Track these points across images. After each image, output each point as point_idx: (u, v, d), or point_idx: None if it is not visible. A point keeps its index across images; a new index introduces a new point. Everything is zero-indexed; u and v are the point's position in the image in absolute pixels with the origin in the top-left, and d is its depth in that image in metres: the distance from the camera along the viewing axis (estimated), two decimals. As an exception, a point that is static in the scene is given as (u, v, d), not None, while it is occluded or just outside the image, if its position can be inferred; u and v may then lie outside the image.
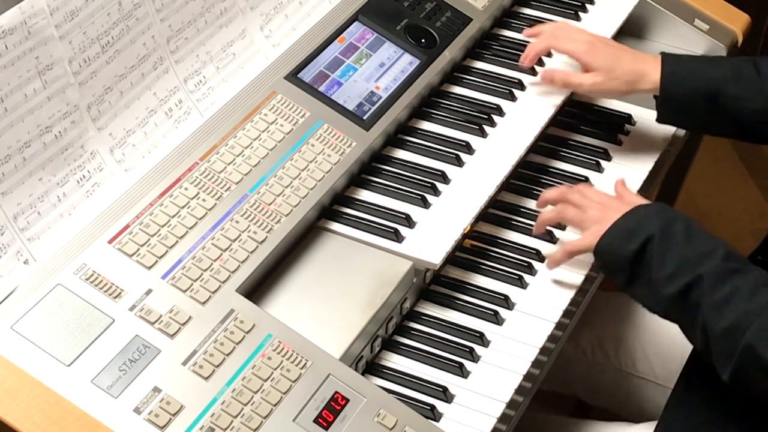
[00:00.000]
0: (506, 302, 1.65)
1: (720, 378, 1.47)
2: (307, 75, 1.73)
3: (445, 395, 1.51)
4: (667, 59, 1.79)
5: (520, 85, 1.91)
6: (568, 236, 1.74)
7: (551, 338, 1.62)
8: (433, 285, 1.68)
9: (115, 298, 1.39)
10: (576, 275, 1.69)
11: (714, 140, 3.45)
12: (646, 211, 1.57)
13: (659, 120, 1.86)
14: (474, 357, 1.57)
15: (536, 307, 1.65)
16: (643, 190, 1.89)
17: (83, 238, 1.44)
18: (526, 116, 1.85)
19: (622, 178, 1.72)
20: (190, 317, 1.40)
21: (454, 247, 1.63)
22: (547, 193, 1.71)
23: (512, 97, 1.88)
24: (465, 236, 1.73)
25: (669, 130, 1.97)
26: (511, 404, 1.52)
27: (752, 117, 1.75)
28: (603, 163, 1.91)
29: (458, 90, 1.91)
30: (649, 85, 1.79)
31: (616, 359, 1.97)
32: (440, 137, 1.80)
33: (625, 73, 1.79)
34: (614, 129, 1.98)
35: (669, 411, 1.65)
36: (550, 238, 1.74)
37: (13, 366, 1.30)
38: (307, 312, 1.50)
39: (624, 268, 1.54)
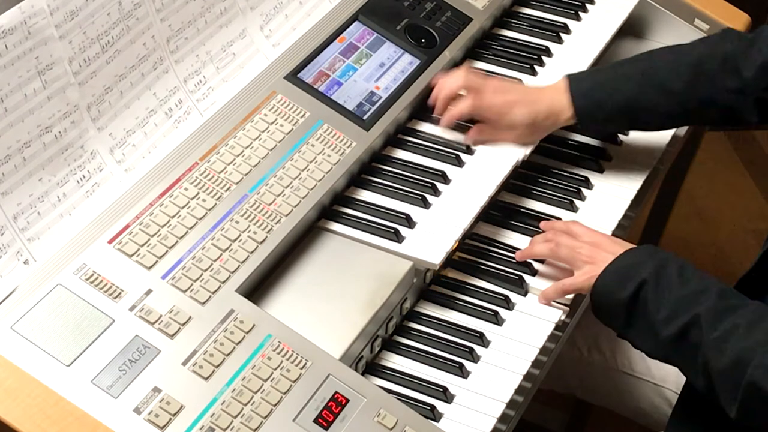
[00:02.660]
0: (506, 302, 1.65)
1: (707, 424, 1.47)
2: (307, 75, 1.73)
3: (445, 395, 1.51)
4: (574, 86, 1.77)
5: (520, 85, 1.91)
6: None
7: (551, 338, 1.62)
8: (433, 285, 1.68)
9: (115, 298, 1.39)
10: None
11: (714, 140, 3.45)
12: (639, 254, 1.57)
13: (582, 132, 1.91)
14: (474, 357, 1.57)
15: (536, 307, 1.65)
16: (643, 190, 1.89)
17: (83, 238, 1.44)
18: (526, 116, 1.85)
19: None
20: (190, 317, 1.40)
21: (454, 247, 1.63)
22: (537, 246, 1.68)
23: (512, 97, 1.88)
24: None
25: (667, 132, 1.97)
26: (511, 404, 1.53)
27: (667, 115, 1.79)
28: (603, 163, 1.90)
29: (458, 90, 1.91)
30: (558, 123, 1.78)
31: (613, 359, 1.97)
32: (440, 137, 1.80)
33: (527, 120, 1.76)
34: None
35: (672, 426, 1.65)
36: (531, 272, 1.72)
37: (13, 366, 1.30)
38: (307, 312, 1.50)
39: (619, 313, 1.54)
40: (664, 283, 1.50)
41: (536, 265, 1.71)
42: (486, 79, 1.80)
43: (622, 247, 1.59)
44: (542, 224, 1.73)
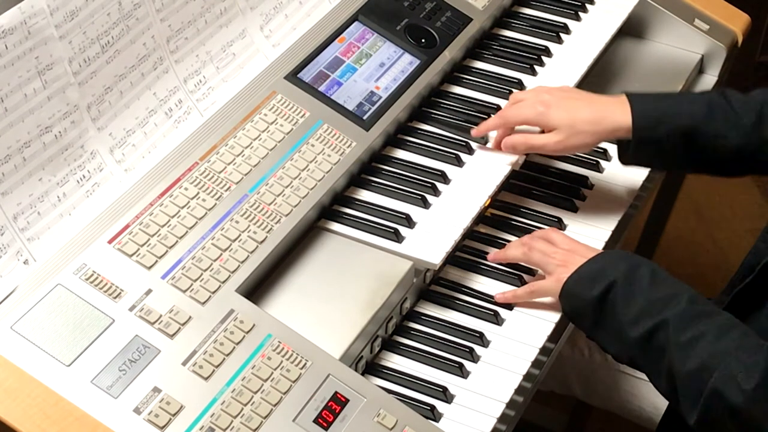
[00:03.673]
0: (506, 302, 1.65)
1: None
2: (307, 75, 1.73)
3: (445, 395, 1.51)
4: (635, 100, 1.70)
5: (520, 86, 1.91)
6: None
7: (551, 338, 1.62)
8: (433, 285, 1.68)
9: (115, 298, 1.39)
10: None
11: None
12: (611, 257, 1.56)
13: (627, 162, 1.78)
14: (474, 357, 1.57)
15: (536, 308, 1.65)
16: (643, 190, 1.89)
17: (83, 238, 1.44)
18: (526, 116, 1.85)
19: None
20: (190, 317, 1.40)
21: (454, 247, 1.63)
22: (510, 249, 1.67)
23: (512, 97, 1.88)
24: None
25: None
26: (511, 404, 1.53)
27: (729, 153, 1.69)
28: (603, 163, 1.90)
29: (458, 90, 1.91)
30: (616, 129, 1.69)
31: (613, 359, 1.97)
32: (440, 137, 1.80)
33: (587, 124, 1.69)
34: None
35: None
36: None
37: (13, 366, 1.30)
38: (307, 312, 1.50)
39: (588, 313, 1.53)
40: (634, 286, 1.50)
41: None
42: (549, 105, 1.72)
43: (595, 252, 1.59)
44: (516, 241, 1.71)
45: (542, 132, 1.74)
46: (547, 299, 1.63)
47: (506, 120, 1.75)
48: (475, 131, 1.77)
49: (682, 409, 1.44)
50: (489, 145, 1.78)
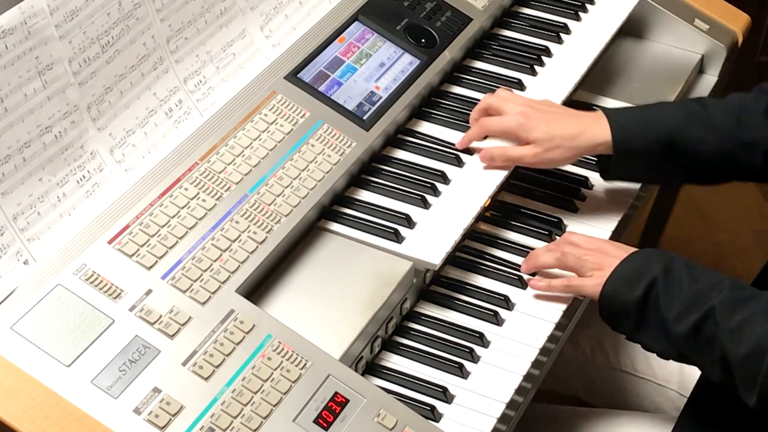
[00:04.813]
0: (506, 302, 1.65)
1: (723, 415, 1.46)
2: (307, 75, 1.73)
3: (445, 396, 1.51)
4: (612, 115, 1.70)
5: (520, 85, 1.91)
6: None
7: (551, 339, 1.62)
8: (433, 285, 1.68)
9: (115, 298, 1.39)
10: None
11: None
12: (645, 256, 1.57)
13: (607, 177, 1.78)
14: (474, 357, 1.57)
15: (536, 308, 1.65)
16: (643, 190, 1.88)
17: (83, 238, 1.44)
18: (526, 116, 1.84)
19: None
20: (190, 317, 1.40)
21: (454, 247, 1.63)
22: (542, 256, 1.67)
23: (512, 97, 1.88)
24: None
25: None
26: (511, 405, 1.52)
27: (710, 159, 1.70)
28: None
29: (458, 90, 1.91)
30: (595, 144, 1.70)
31: (616, 359, 1.97)
32: (440, 137, 1.80)
33: (565, 139, 1.69)
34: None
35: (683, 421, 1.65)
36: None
37: (13, 366, 1.30)
38: (307, 312, 1.50)
39: (630, 315, 1.53)
40: (674, 282, 1.50)
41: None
42: (529, 117, 1.72)
43: (626, 251, 1.59)
44: (541, 250, 1.70)
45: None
46: (547, 300, 1.64)
47: (487, 129, 1.75)
48: (459, 144, 1.77)
49: (741, 393, 1.44)
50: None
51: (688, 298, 1.48)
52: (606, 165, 1.76)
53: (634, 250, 1.60)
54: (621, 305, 1.54)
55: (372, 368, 1.55)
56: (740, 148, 1.69)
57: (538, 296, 1.66)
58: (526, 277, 1.68)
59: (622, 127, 1.69)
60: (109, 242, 1.44)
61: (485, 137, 1.78)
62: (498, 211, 1.80)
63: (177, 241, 1.47)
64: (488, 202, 1.75)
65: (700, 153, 1.70)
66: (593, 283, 1.58)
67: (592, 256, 1.61)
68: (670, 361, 1.88)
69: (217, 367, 1.37)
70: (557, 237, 1.75)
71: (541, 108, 1.74)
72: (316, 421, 1.36)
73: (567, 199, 1.82)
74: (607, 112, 1.72)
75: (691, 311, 1.47)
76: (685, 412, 1.67)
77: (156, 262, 1.44)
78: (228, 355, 1.38)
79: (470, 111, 1.84)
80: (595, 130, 1.70)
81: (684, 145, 1.69)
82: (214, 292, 1.44)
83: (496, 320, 1.62)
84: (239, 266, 1.47)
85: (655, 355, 1.89)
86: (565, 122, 1.71)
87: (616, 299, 1.55)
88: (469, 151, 1.78)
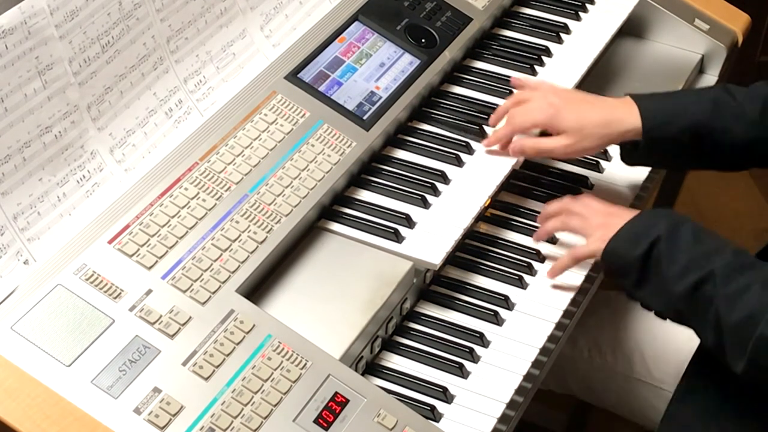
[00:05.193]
0: (506, 302, 1.65)
1: (719, 384, 1.47)
2: (307, 75, 1.73)
3: (445, 395, 1.51)
4: (641, 101, 1.70)
5: (520, 85, 1.91)
6: (569, 239, 1.74)
7: (551, 339, 1.62)
8: (433, 285, 1.68)
9: (115, 298, 1.39)
10: (576, 275, 1.69)
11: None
12: (652, 215, 1.59)
13: (633, 162, 1.78)
14: (474, 357, 1.57)
15: (536, 308, 1.65)
16: (643, 190, 1.88)
17: (83, 238, 1.44)
18: (526, 116, 1.84)
19: None
20: (190, 317, 1.40)
21: (454, 247, 1.63)
22: (550, 207, 1.70)
23: (512, 97, 1.88)
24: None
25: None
26: (511, 404, 1.52)
27: (737, 147, 1.71)
28: (603, 163, 1.90)
29: (458, 90, 1.91)
30: (625, 131, 1.69)
31: (613, 360, 1.97)
32: (440, 137, 1.80)
33: (596, 127, 1.68)
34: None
35: (665, 422, 1.65)
36: (551, 240, 1.74)
37: (13, 366, 1.30)
38: (307, 312, 1.50)
39: (632, 270, 1.55)
40: (678, 241, 1.52)
41: (536, 266, 1.71)
42: (558, 108, 1.71)
43: (634, 212, 1.61)
44: (554, 202, 1.72)
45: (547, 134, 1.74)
46: (547, 300, 1.64)
47: (517, 127, 1.74)
48: (486, 142, 1.77)
49: (729, 360, 1.46)
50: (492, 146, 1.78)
51: (690, 259, 1.50)
52: (630, 151, 1.75)
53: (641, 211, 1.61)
54: (623, 261, 1.56)
55: (372, 368, 1.55)
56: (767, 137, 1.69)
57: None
58: (527, 278, 1.68)
59: (652, 114, 1.69)
60: (109, 242, 1.44)
61: (486, 137, 1.78)
62: (498, 211, 1.80)
63: (177, 241, 1.47)
64: (488, 202, 1.75)
65: (728, 141, 1.70)
66: (597, 244, 1.59)
67: (600, 216, 1.62)
68: (668, 363, 1.89)
69: (217, 367, 1.37)
70: (557, 238, 1.75)
71: (568, 96, 1.74)
72: (316, 421, 1.36)
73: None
74: (636, 98, 1.71)
75: (692, 271, 1.49)
76: (680, 386, 1.68)
77: (156, 261, 1.44)
78: (228, 355, 1.38)
79: (470, 111, 1.84)
80: (625, 116, 1.69)
81: (712, 134, 1.70)
82: (214, 292, 1.44)
83: (496, 320, 1.62)
84: (239, 266, 1.47)
85: (652, 356, 1.90)
86: (595, 110, 1.71)
87: (619, 255, 1.56)
88: (470, 151, 1.78)
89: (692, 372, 1.69)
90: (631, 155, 1.76)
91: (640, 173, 1.89)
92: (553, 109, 1.71)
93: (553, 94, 1.74)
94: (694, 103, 1.71)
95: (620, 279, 1.60)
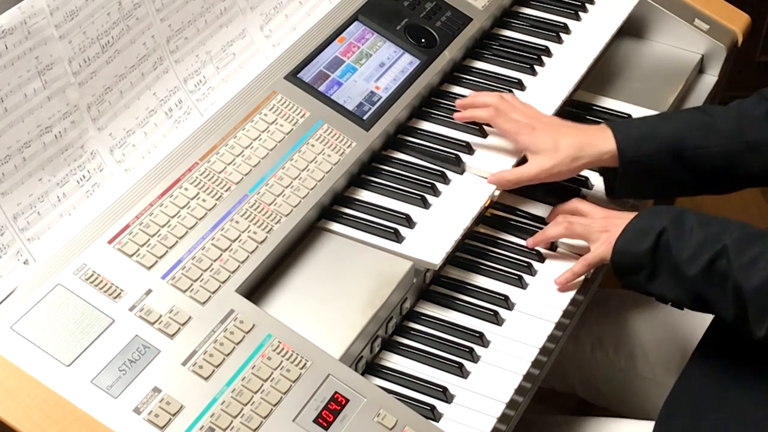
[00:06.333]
0: (506, 302, 1.65)
1: (719, 379, 1.47)
2: (307, 75, 1.73)
3: (445, 395, 1.51)
4: (616, 127, 1.71)
5: (520, 85, 1.91)
6: (567, 240, 1.74)
7: (551, 338, 1.62)
8: (433, 285, 1.68)
9: (115, 298, 1.39)
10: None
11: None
12: (654, 211, 1.61)
13: (614, 194, 1.79)
14: (474, 357, 1.57)
15: (536, 307, 1.65)
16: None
17: (83, 238, 1.44)
18: (526, 116, 1.84)
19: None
20: (190, 317, 1.40)
21: (454, 247, 1.63)
22: (550, 229, 1.71)
23: (512, 97, 1.88)
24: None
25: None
26: (511, 404, 1.53)
27: (716, 163, 1.71)
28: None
29: (458, 90, 1.91)
30: (600, 153, 1.70)
31: (616, 357, 1.97)
32: (440, 137, 1.80)
33: (571, 148, 1.70)
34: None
35: (667, 406, 1.65)
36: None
37: (13, 366, 1.30)
38: (307, 312, 1.50)
39: (643, 265, 1.57)
40: (684, 228, 1.54)
41: (536, 265, 1.71)
42: (534, 129, 1.73)
43: (632, 214, 1.63)
44: (549, 217, 1.76)
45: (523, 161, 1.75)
46: (549, 301, 1.64)
47: (497, 120, 1.75)
48: (460, 118, 1.78)
49: (752, 327, 1.48)
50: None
51: (700, 240, 1.52)
52: (612, 180, 1.77)
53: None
54: (633, 258, 1.58)
55: (372, 368, 1.55)
56: (746, 149, 1.70)
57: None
58: (526, 278, 1.68)
59: (626, 136, 1.70)
60: (109, 242, 1.44)
61: (486, 136, 1.78)
62: (498, 211, 1.80)
63: (177, 241, 1.47)
64: (488, 202, 1.75)
65: (706, 157, 1.71)
66: (604, 247, 1.62)
67: (599, 222, 1.65)
68: (670, 359, 1.89)
69: (217, 366, 1.37)
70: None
71: (547, 121, 1.75)
72: (316, 421, 1.36)
73: (567, 198, 1.82)
74: (610, 124, 1.73)
75: (704, 251, 1.51)
76: (690, 363, 1.69)
77: (156, 261, 1.44)
78: (228, 354, 1.38)
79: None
80: (599, 140, 1.71)
81: (689, 151, 1.70)
82: (214, 292, 1.44)
83: (496, 320, 1.62)
84: (239, 266, 1.47)
85: (655, 353, 1.90)
86: (570, 134, 1.72)
87: (627, 253, 1.58)
88: (470, 151, 1.78)
89: (695, 361, 1.70)
90: (613, 186, 1.77)
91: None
92: (530, 129, 1.72)
93: (533, 115, 1.75)
94: (668, 123, 1.73)
95: (632, 276, 1.61)
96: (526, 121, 1.74)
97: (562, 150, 1.70)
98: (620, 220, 1.62)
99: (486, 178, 1.73)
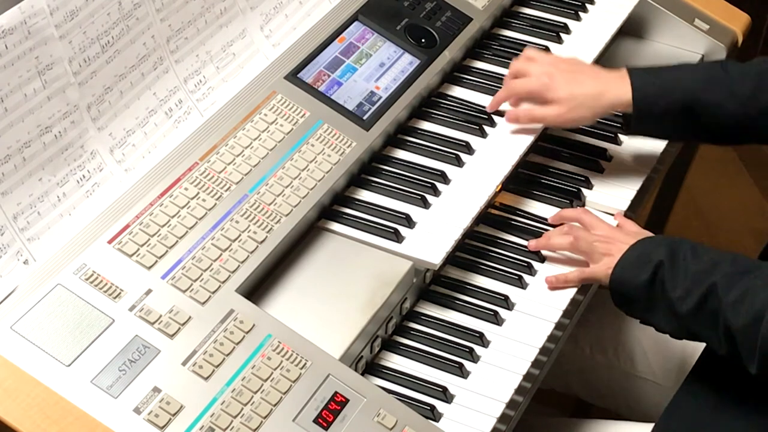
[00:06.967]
0: (506, 302, 1.65)
1: (725, 383, 1.47)
2: (307, 75, 1.73)
3: (445, 395, 1.51)
4: (634, 75, 1.73)
5: (520, 85, 1.91)
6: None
7: (551, 338, 1.62)
8: (433, 285, 1.68)
9: (114, 298, 1.39)
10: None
11: (714, 140, 3.44)
12: (651, 241, 1.62)
13: (630, 133, 1.85)
14: (474, 357, 1.57)
15: (536, 307, 1.65)
16: (643, 190, 1.88)
17: (83, 238, 1.44)
18: (526, 116, 1.84)
19: (621, 211, 1.78)
20: (189, 317, 1.40)
21: (454, 247, 1.63)
22: (555, 238, 1.72)
23: (512, 97, 1.88)
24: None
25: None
26: (511, 404, 1.53)
27: (728, 121, 1.73)
28: (603, 163, 1.90)
29: (458, 90, 1.91)
30: (615, 104, 1.74)
31: (615, 358, 1.97)
32: (440, 137, 1.80)
33: (587, 98, 1.73)
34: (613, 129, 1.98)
35: (668, 412, 1.65)
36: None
37: (13, 366, 1.30)
38: (307, 312, 1.50)
39: (640, 298, 1.58)
40: (679, 263, 1.54)
41: (536, 266, 1.71)
42: (553, 78, 1.76)
43: (633, 237, 1.64)
44: (552, 218, 1.77)
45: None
46: (546, 299, 1.64)
47: (512, 92, 1.81)
48: (489, 106, 1.83)
49: (745, 362, 1.48)
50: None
51: (691, 278, 1.52)
52: (628, 119, 1.79)
53: (642, 235, 1.64)
54: (630, 289, 1.59)
55: (372, 368, 1.55)
56: (759, 114, 1.72)
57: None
58: (527, 278, 1.68)
59: (643, 87, 1.72)
60: (109, 242, 1.44)
61: (486, 136, 1.78)
62: (498, 211, 1.80)
63: (177, 241, 1.47)
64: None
65: (718, 116, 1.73)
66: (603, 270, 1.63)
67: (602, 242, 1.65)
68: (670, 360, 1.89)
69: (217, 366, 1.37)
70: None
71: (565, 68, 1.78)
72: (316, 421, 1.36)
73: (567, 199, 1.82)
74: (630, 71, 1.75)
75: (695, 289, 1.51)
76: (684, 386, 1.69)
77: (156, 261, 1.44)
78: (228, 354, 1.38)
79: (470, 111, 1.85)
80: (616, 89, 1.73)
81: (703, 109, 1.72)
82: (214, 292, 1.44)
83: (496, 320, 1.62)
84: (239, 266, 1.47)
85: (655, 354, 1.90)
86: (588, 82, 1.75)
87: (625, 283, 1.59)
88: (470, 151, 1.78)
89: (698, 369, 1.70)
90: (629, 124, 1.80)
91: (639, 174, 1.89)
92: (548, 78, 1.75)
93: (549, 65, 1.78)
94: (686, 77, 1.75)
95: (628, 306, 1.63)
96: (544, 70, 1.76)
97: (578, 99, 1.73)
98: (621, 244, 1.63)
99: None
